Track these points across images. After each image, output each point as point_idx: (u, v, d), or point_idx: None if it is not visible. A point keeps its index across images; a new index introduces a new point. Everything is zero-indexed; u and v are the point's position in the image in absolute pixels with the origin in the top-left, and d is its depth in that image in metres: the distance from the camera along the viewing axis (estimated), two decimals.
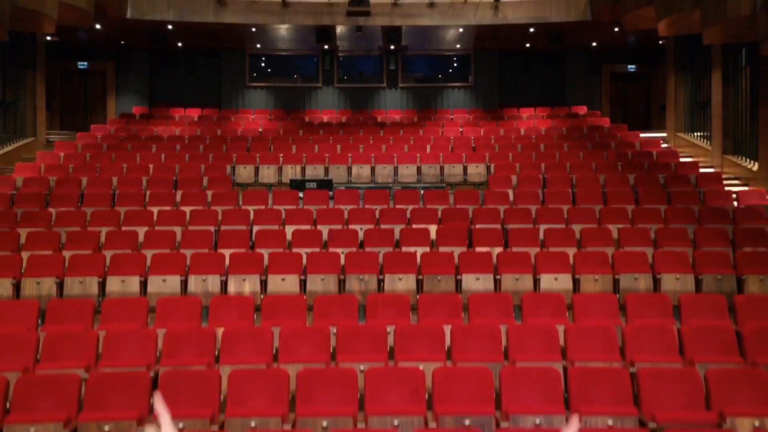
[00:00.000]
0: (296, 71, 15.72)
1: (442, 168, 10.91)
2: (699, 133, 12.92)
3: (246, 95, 15.34)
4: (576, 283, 6.79)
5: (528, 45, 14.88)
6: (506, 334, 5.27)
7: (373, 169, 10.92)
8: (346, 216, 8.41)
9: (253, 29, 13.50)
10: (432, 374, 4.56)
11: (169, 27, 13.30)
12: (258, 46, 14.99)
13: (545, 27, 13.37)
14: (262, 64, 15.77)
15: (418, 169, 10.87)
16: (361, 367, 4.67)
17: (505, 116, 14.46)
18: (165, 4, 12.66)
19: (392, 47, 14.93)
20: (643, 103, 15.84)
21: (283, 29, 13.59)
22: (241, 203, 9.04)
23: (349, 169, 10.94)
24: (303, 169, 10.94)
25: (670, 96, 13.52)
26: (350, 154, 11.37)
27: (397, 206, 8.79)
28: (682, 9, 9.59)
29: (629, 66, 15.57)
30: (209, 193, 9.31)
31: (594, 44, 14.82)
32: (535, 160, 10.96)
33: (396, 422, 4.12)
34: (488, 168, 10.86)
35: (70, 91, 15.32)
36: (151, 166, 10.53)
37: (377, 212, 8.44)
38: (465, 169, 10.91)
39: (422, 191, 9.17)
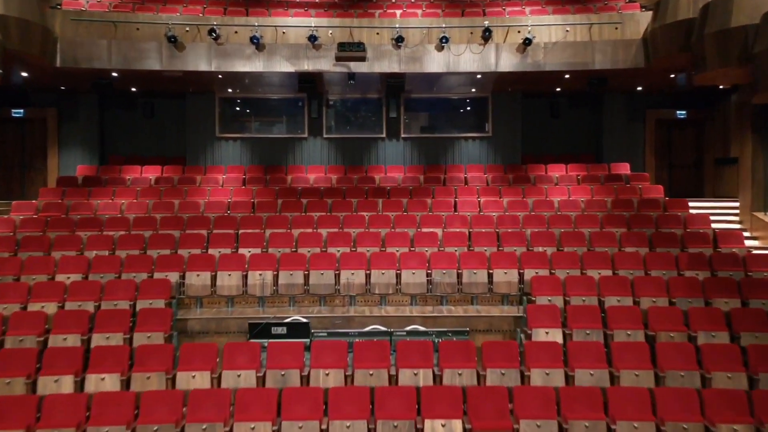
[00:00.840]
0: (277, 119, 13.06)
1: (459, 275, 8.28)
2: None
3: (216, 147, 12.67)
4: None
5: (559, 89, 12.21)
6: None
7: (368, 276, 8.29)
8: (324, 398, 5.78)
9: (220, 76, 10.83)
10: None
11: (114, 75, 10.63)
12: (229, 90, 12.33)
13: (585, 74, 10.72)
14: (236, 109, 13.12)
15: (428, 275, 8.26)
16: None
17: (531, 176, 11.79)
18: (104, 51, 10.00)
19: (394, 92, 12.26)
20: (693, 154, 13.19)
21: (257, 75, 10.93)
22: (176, 369, 6.35)
23: (337, 275, 8.31)
24: (276, 277, 8.30)
25: (745, 162, 10.75)
26: (338, 252, 8.75)
27: (401, 371, 6.14)
28: None
29: (678, 112, 12.89)
30: (134, 345, 6.69)
31: (639, 88, 12.14)
32: (582, 266, 8.35)
33: None
34: (521, 276, 8.24)
35: (5, 144, 12.64)
36: (67, 281, 7.88)
37: (371, 392, 5.79)
38: (490, 276, 8.27)
39: (436, 340, 6.50)
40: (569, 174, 11.97)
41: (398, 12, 12.07)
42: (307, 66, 10.49)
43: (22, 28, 8.99)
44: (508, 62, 10.47)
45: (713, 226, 9.89)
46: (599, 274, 8.19)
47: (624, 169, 12.14)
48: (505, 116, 12.66)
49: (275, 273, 8.31)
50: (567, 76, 10.86)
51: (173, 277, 8.11)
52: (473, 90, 12.35)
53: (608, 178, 11.65)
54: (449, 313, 7.80)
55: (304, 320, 7.09)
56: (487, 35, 10.29)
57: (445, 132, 12.94)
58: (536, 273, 8.22)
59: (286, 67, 10.49)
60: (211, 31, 10.10)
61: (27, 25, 9.06)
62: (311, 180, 11.89)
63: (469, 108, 13.10)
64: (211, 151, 12.67)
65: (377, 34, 10.60)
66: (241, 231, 9.49)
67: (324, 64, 10.47)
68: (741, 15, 8.19)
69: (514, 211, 10.29)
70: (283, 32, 10.65)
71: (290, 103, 12.88)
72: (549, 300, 7.55)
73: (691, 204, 10.63)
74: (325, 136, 12.74)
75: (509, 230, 9.50)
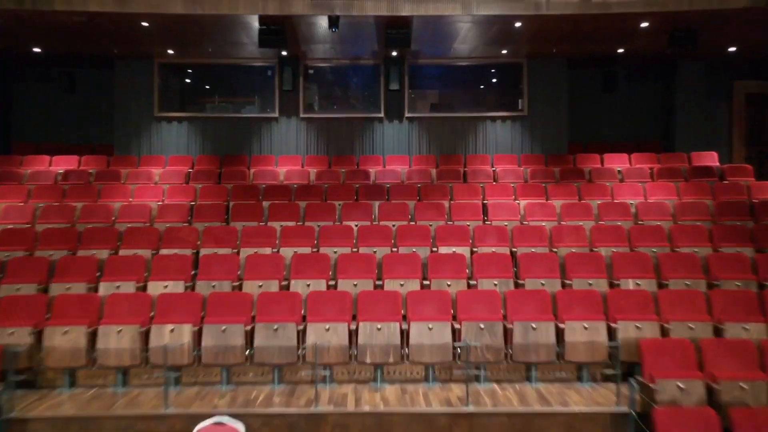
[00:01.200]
0: (239, 93, 9.73)
1: (508, 331, 4.96)
2: None
3: (155, 131, 9.34)
4: None
5: (621, 50, 8.88)
6: None
7: (353, 334, 4.96)
8: None
9: (145, 23, 7.52)
10: None
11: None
12: (170, 52, 9.01)
13: (671, 19, 7.38)
14: (184, 81, 9.80)
15: (453, 330, 4.93)
16: None
17: (584, 169, 8.50)
18: None
19: (395, 53, 8.96)
20: None
21: (203, 25, 7.64)
22: None
23: (301, 332, 4.99)
24: (198, 335, 4.98)
25: None
26: (307, 287, 5.47)
27: None
28: None
29: None
30: None
31: (732, 49, 8.82)
32: (711, 311, 5.05)
33: None
34: (611, 333, 4.92)
35: None
36: None
37: None
38: (560, 333, 4.95)
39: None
40: (636, 166, 8.69)
41: None
42: (272, 9, 7.16)
43: None
44: (563, 4, 7.15)
45: None
46: (745, 328, 4.86)
47: (711, 160, 8.87)
48: (545, 90, 9.33)
49: (197, 328, 4.98)
50: (644, 25, 7.55)
51: (21, 334, 4.79)
52: (504, 52, 9.01)
53: (694, 172, 8.35)
54: (494, 403, 4.50)
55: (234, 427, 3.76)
56: None
57: (465, 111, 9.60)
58: (637, 327, 4.90)
59: (242, 10, 7.16)
60: None
61: None
62: (281, 175, 8.59)
63: (496, 79, 9.79)
64: (147, 136, 9.35)
65: None
66: (162, 251, 6.19)
67: (297, 5, 7.16)
68: None
69: (572, 219, 7.00)
70: None
71: (256, 73, 9.56)
72: (680, 386, 4.20)
73: None
74: (302, 115, 9.42)
75: (574, 249, 6.19)
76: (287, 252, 6.19)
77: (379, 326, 4.89)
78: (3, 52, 8.96)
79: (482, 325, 4.90)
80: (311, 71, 9.57)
